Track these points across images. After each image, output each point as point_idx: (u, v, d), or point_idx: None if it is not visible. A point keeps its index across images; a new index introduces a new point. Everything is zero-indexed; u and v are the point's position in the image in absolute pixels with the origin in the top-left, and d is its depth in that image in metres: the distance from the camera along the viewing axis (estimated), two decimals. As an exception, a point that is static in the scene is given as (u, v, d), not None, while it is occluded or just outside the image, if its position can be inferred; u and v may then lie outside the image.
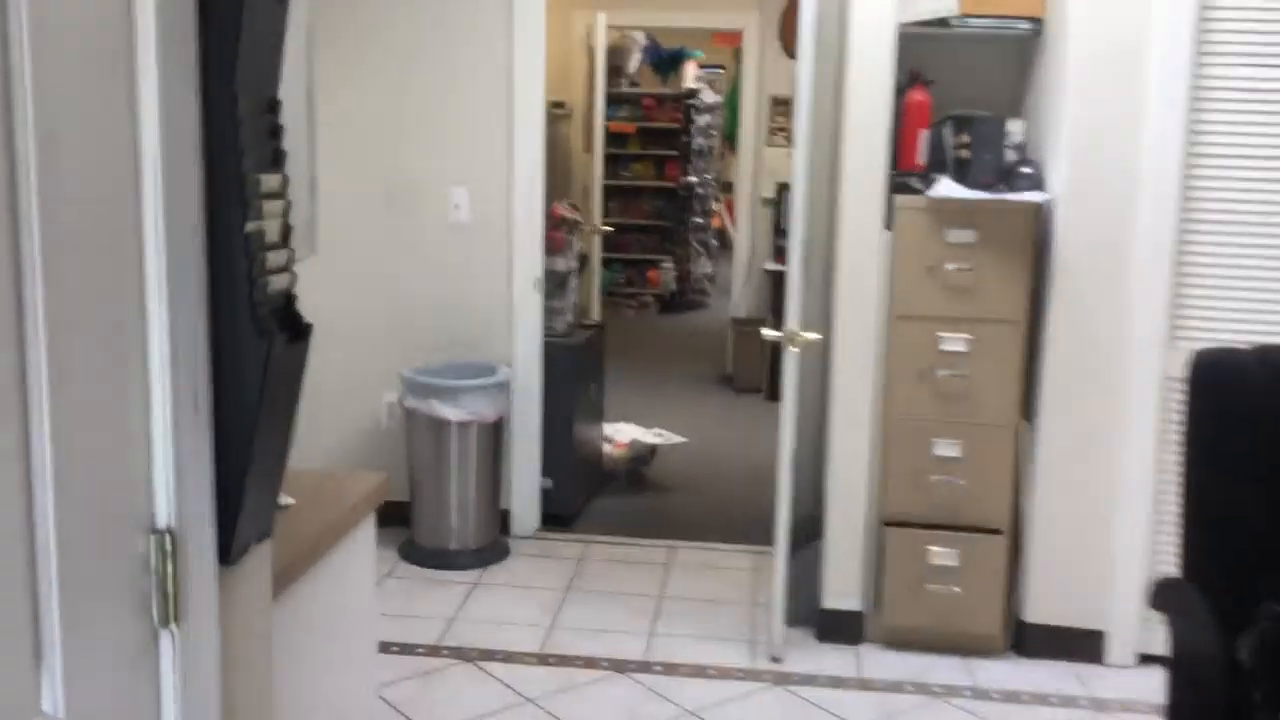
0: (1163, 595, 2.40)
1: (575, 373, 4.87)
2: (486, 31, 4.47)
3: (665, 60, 10.83)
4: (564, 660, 3.66)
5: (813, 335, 3.54)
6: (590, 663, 3.64)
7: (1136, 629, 3.61)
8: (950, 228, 3.54)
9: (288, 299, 1.32)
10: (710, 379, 7.87)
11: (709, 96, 11.17)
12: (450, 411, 4.22)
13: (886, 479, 3.69)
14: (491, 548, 4.45)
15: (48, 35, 0.97)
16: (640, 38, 10.31)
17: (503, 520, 4.60)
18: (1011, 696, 3.50)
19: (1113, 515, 3.61)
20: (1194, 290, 3.53)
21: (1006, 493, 3.65)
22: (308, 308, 1.38)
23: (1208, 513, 2.35)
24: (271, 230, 1.29)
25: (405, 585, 4.20)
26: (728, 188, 12.56)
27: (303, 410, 1.42)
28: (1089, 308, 3.55)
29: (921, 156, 3.68)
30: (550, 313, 4.76)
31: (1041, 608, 3.71)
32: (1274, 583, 2.22)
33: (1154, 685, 2.58)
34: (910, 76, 3.67)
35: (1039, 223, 3.56)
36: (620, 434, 5.62)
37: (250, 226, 1.23)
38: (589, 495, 5.15)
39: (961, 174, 3.61)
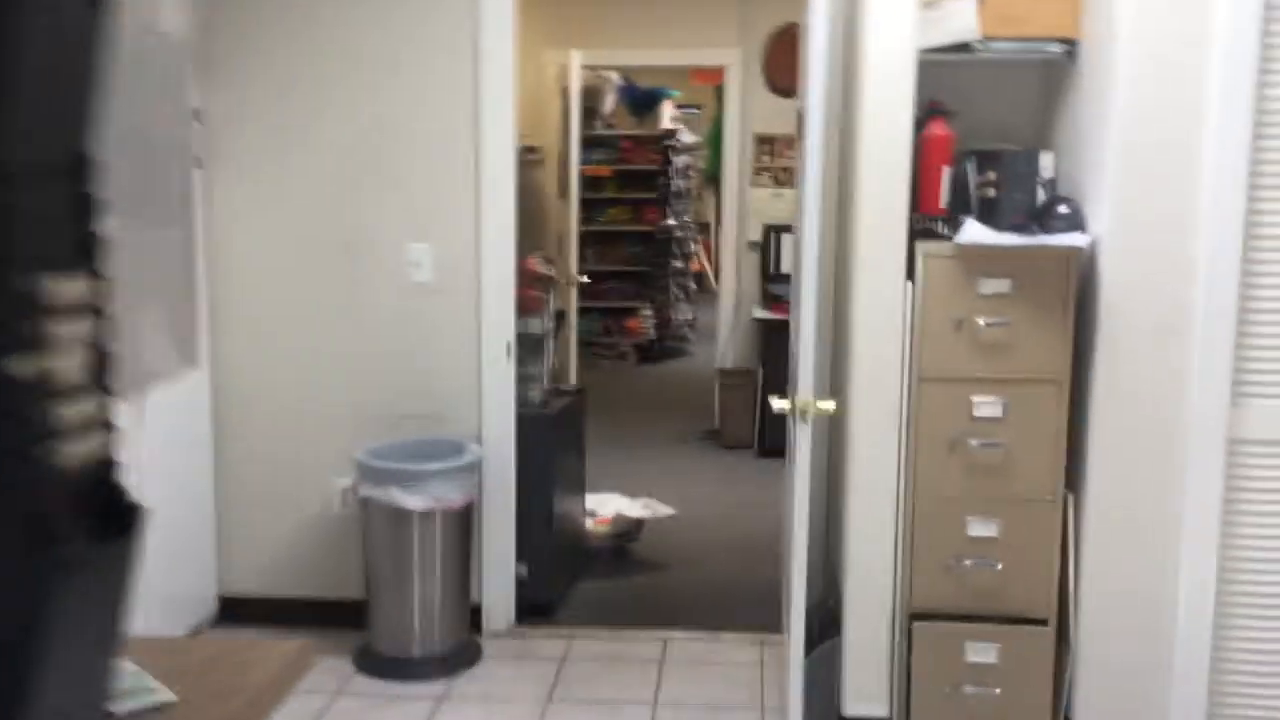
0: None
1: (552, 446, 4.37)
2: (450, 72, 4.01)
3: (641, 100, 10.49)
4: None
5: (828, 404, 3.11)
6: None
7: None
8: (981, 276, 3.14)
9: (101, 473, 0.83)
10: (696, 434, 7.44)
11: (687, 137, 10.92)
12: (411, 500, 3.71)
13: (913, 565, 3.30)
14: (461, 651, 3.92)
15: None
16: (615, 77, 9.96)
17: (473, 616, 4.08)
18: (1072, 820, 3.03)
19: (1175, 596, 3.16)
20: (1260, 341, 3.09)
21: (1051, 577, 3.26)
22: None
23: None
24: (69, 367, 0.80)
25: (360, 706, 3.65)
26: (705, 229, 12.20)
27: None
28: (1140, 363, 3.13)
29: (944, 197, 3.25)
30: (524, 380, 4.26)
31: (1094, 706, 3.25)
32: None
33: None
34: (928, 108, 3.24)
35: (1080, 268, 3.16)
36: (603, 508, 5.13)
37: (18, 366, 0.74)
38: (571, 580, 4.64)
39: (988, 215, 3.20)
